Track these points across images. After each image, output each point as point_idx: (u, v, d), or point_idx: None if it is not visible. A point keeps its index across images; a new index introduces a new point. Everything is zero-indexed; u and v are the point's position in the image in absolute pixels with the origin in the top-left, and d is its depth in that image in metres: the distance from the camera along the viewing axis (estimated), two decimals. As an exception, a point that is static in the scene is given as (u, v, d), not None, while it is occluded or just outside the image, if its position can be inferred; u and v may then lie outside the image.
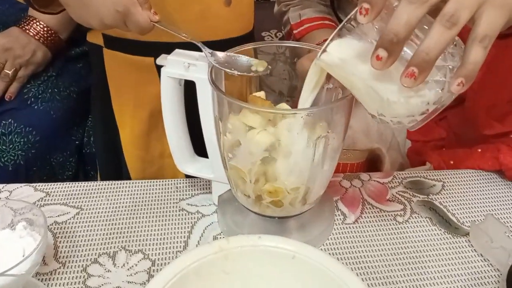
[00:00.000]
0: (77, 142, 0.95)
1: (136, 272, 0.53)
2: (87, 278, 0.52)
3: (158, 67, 0.56)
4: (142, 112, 0.73)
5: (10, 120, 0.84)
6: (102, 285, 0.52)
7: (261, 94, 0.56)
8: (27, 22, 0.89)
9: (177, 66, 0.53)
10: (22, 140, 0.84)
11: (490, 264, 0.55)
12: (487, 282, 0.53)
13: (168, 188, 0.66)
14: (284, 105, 0.57)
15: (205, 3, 0.67)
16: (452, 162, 0.72)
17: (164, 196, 0.65)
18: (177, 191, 0.66)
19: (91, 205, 0.63)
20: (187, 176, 0.64)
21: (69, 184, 0.67)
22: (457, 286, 0.52)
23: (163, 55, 0.55)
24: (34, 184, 0.66)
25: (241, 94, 0.57)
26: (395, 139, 0.82)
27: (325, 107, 0.49)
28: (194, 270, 0.46)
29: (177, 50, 0.55)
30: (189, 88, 0.56)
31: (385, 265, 0.55)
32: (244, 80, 0.58)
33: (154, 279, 0.42)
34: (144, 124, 0.75)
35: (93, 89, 0.84)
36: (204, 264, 0.47)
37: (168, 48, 0.55)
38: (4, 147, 0.82)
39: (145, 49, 0.68)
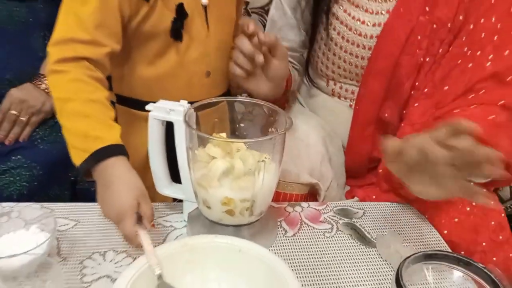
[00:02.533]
0: (72, 178, 1.12)
1: (121, 265, 0.69)
2: (83, 268, 0.68)
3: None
4: (140, 151, 0.90)
5: (19, 157, 1.01)
6: (95, 273, 0.67)
7: (223, 134, 0.76)
8: (39, 79, 1.09)
9: (161, 111, 0.73)
10: (27, 173, 1.00)
11: (391, 267, 0.73)
12: (387, 280, 0.70)
13: (148, 209, 0.83)
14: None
15: (190, 74, 0.88)
16: (374, 197, 0.91)
17: (145, 214, 0.82)
18: (156, 211, 0.83)
19: (86, 218, 0.79)
20: (174, 200, 0.82)
21: (69, 204, 0.83)
22: (365, 284, 0.69)
23: (151, 104, 0.74)
24: (41, 204, 0.82)
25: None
26: (334, 182, 1.01)
27: (265, 138, 0.69)
28: (166, 259, 0.62)
29: (161, 100, 0.75)
30: (168, 130, 0.75)
31: (313, 269, 0.72)
32: (210, 125, 0.78)
33: (132, 263, 0.59)
34: (141, 160, 0.92)
35: None
36: (172, 254, 0.63)
37: None
38: (12, 178, 0.99)
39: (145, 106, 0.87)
